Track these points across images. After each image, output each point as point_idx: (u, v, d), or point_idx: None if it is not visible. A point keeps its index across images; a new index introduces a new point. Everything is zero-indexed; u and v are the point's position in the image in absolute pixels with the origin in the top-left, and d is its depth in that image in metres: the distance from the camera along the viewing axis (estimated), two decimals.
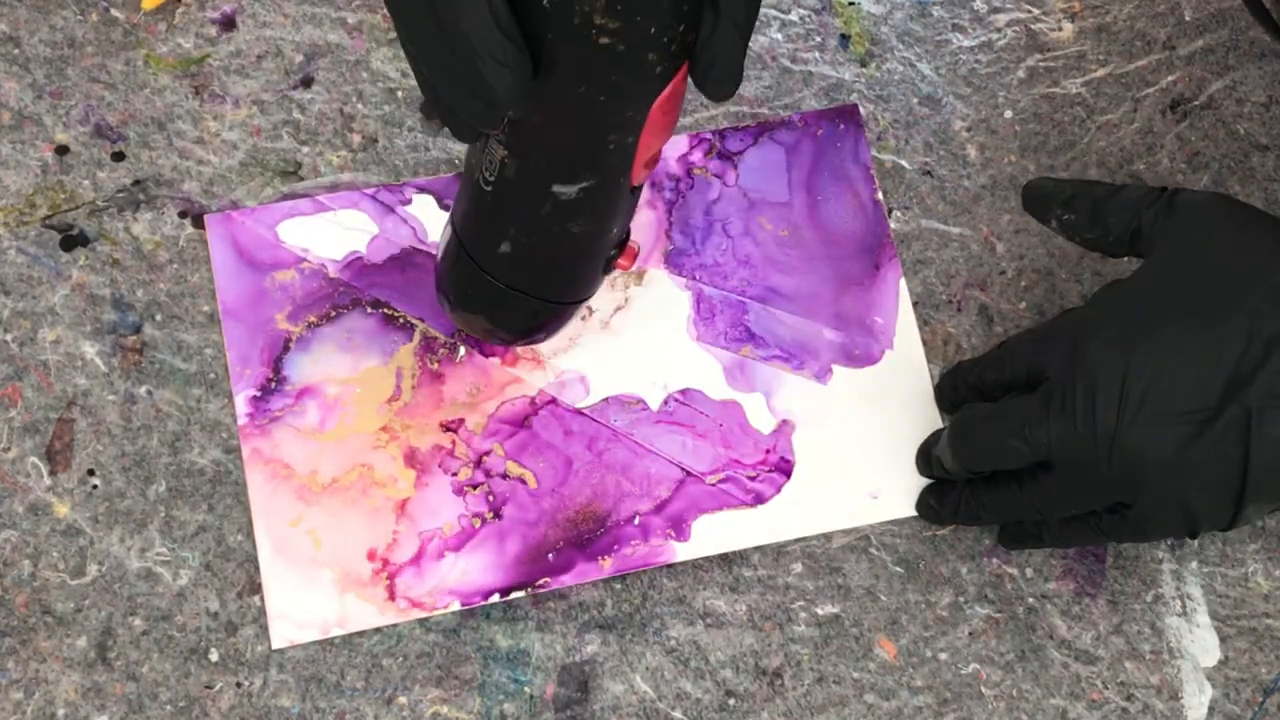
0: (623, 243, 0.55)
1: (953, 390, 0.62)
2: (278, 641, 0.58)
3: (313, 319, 0.62)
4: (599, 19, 0.43)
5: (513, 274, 0.54)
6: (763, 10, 0.68)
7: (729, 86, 0.45)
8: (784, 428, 0.62)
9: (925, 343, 0.64)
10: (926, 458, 0.61)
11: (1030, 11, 0.69)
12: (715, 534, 0.61)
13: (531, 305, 0.55)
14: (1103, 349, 0.53)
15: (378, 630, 0.59)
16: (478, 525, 0.60)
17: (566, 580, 0.60)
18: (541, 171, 0.49)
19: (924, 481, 0.62)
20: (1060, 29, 0.69)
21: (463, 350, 0.63)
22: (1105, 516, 0.56)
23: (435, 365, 0.62)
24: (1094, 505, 0.56)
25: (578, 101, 0.46)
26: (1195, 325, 0.52)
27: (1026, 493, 0.56)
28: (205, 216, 0.63)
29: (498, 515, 0.60)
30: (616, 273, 0.64)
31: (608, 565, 0.60)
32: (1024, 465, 0.55)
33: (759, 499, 0.61)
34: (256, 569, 0.59)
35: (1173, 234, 0.55)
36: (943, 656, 0.60)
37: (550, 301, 0.56)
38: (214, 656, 0.58)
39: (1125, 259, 0.64)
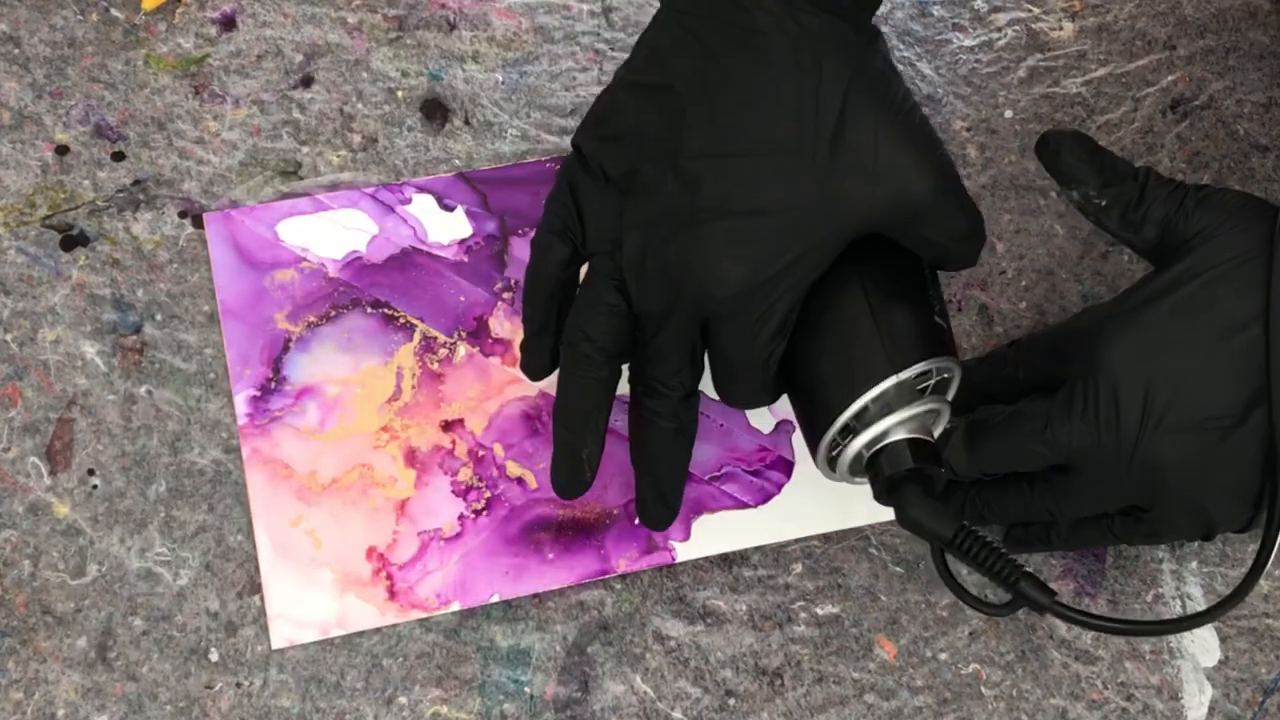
0: None
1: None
2: (277, 641, 0.58)
3: (312, 319, 0.62)
4: None
5: None
6: None
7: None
8: (784, 427, 0.62)
9: None
10: None
11: (1031, 11, 0.69)
12: (715, 534, 0.61)
13: None
14: (1126, 353, 0.52)
15: (378, 630, 0.59)
16: (478, 525, 0.60)
17: (566, 580, 0.60)
18: None
19: None
20: (1061, 28, 0.69)
21: (463, 350, 0.63)
22: (1118, 519, 0.56)
23: (435, 365, 0.62)
24: (1109, 508, 0.55)
25: None
26: (1219, 331, 0.52)
27: (1038, 494, 0.56)
28: (204, 215, 0.63)
29: (498, 515, 0.60)
30: None
31: (608, 565, 0.60)
32: (1040, 468, 0.55)
33: (759, 499, 0.61)
34: (256, 569, 0.59)
35: (1199, 239, 0.54)
36: (943, 656, 0.60)
37: None
38: (214, 656, 0.58)
39: (1126, 254, 0.64)
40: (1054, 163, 0.56)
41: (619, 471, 0.61)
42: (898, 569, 0.61)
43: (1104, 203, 0.55)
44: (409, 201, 0.64)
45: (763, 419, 0.62)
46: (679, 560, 0.60)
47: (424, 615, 0.59)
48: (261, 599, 0.59)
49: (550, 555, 0.60)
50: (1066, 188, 0.56)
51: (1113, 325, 0.54)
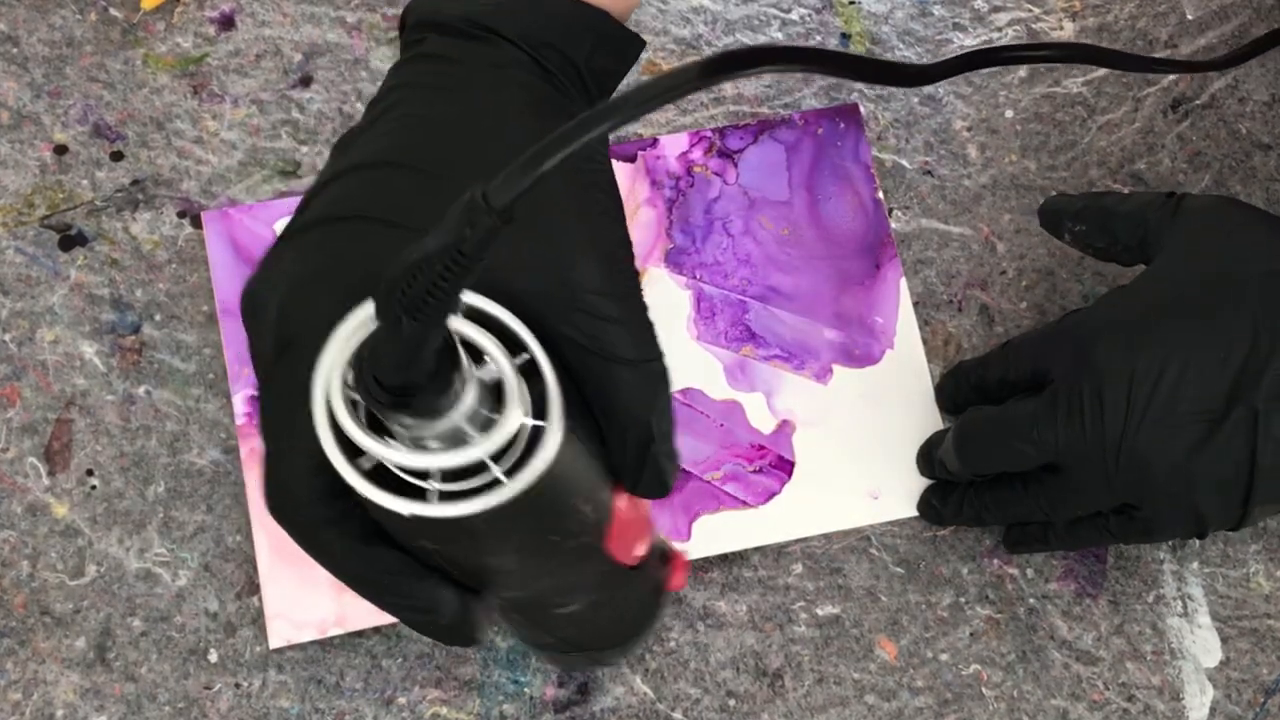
0: (666, 559, 0.50)
1: (954, 390, 0.62)
2: (276, 641, 0.58)
3: None
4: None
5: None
6: (763, 9, 0.68)
7: (659, 495, 0.45)
8: (784, 428, 0.62)
9: (925, 343, 0.64)
10: (928, 458, 0.61)
11: (1031, 11, 0.69)
12: (715, 534, 0.61)
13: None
14: (1109, 351, 0.53)
15: (377, 630, 0.59)
16: None
17: None
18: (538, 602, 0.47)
19: (924, 481, 0.62)
20: (1061, 28, 0.69)
21: None
22: (1112, 518, 0.56)
23: None
24: (1101, 507, 0.56)
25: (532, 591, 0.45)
26: (1200, 327, 0.52)
27: (1032, 494, 0.56)
28: (202, 214, 0.63)
29: None
30: None
31: None
32: (1030, 468, 0.55)
33: (759, 499, 0.61)
34: (255, 569, 0.59)
35: (1177, 237, 0.55)
36: (943, 657, 0.60)
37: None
38: (213, 657, 0.58)
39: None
40: (1045, 219, 0.61)
41: None
42: (898, 569, 0.61)
43: (1083, 228, 0.58)
44: None
45: (763, 419, 0.62)
46: None
47: None
48: (260, 599, 0.58)
49: None
50: (1058, 236, 0.60)
51: (1095, 324, 0.55)
